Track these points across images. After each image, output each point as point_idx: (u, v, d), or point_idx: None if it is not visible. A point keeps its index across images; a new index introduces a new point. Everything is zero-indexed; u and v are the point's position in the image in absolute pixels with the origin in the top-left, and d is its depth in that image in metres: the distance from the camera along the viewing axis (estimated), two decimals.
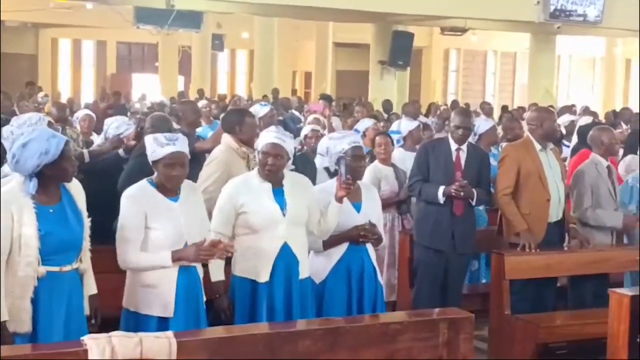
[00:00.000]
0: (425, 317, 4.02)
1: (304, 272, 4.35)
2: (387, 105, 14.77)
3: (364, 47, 20.29)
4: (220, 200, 4.35)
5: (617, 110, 16.65)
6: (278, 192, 4.30)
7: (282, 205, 4.27)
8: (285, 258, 4.26)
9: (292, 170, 4.68)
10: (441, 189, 5.47)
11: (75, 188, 3.78)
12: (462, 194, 5.44)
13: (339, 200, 4.42)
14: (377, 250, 4.75)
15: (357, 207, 4.61)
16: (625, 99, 27.10)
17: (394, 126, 7.48)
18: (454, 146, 5.63)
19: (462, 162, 5.62)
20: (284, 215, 4.24)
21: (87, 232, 3.78)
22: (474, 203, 5.60)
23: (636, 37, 20.62)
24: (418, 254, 5.72)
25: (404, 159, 6.78)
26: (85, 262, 3.80)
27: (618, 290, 4.47)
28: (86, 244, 3.78)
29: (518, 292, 5.58)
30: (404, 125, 7.28)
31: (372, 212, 4.64)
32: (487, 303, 5.63)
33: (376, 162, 6.53)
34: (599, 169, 6.00)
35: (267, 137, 4.37)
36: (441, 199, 5.48)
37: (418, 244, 5.71)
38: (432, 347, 3.76)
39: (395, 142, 6.99)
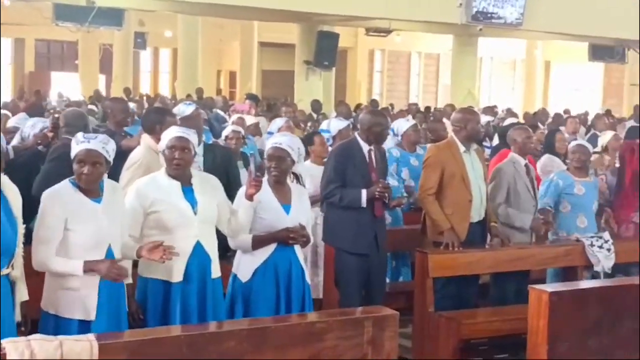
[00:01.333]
0: (350, 315, 4.04)
1: (216, 271, 4.32)
2: (316, 105, 14.80)
3: (289, 47, 20.30)
4: (127, 202, 4.24)
5: (537, 110, 17.10)
6: (187, 191, 4.26)
7: (193, 203, 4.23)
8: (199, 257, 4.22)
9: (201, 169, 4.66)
10: (364, 192, 5.44)
11: (12, 193, 3.69)
12: (386, 194, 5.47)
13: (249, 198, 4.40)
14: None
15: (287, 209, 4.60)
16: (545, 100, 27.83)
17: (323, 125, 7.45)
18: (365, 147, 5.59)
19: (374, 162, 5.61)
20: (195, 213, 4.20)
21: (20, 238, 3.69)
22: (388, 202, 5.63)
23: (555, 39, 21.21)
24: (340, 260, 5.62)
25: None
26: (17, 269, 3.70)
27: (537, 286, 4.57)
28: (19, 250, 3.69)
29: (441, 290, 5.66)
30: (334, 125, 7.27)
31: (301, 213, 4.63)
32: (410, 301, 5.69)
33: (308, 160, 6.50)
34: (517, 167, 6.14)
35: (171, 132, 4.35)
36: (364, 202, 5.46)
37: (339, 249, 5.62)
38: (357, 345, 3.78)
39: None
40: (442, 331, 5.38)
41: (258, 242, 4.52)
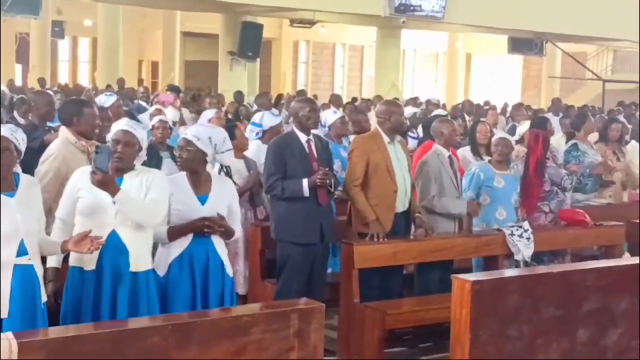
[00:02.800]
0: (276, 308, 4.02)
1: (136, 265, 4.21)
2: (239, 96, 14.70)
3: (213, 37, 20.11)
4: (66, 187, 4.26)
5: (459, 102, 17.38)
6: (117, 182, 4.17)
7: None
8: (113, 247, 4.13)
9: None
10: (305, 181, 5.46)
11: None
12: (327, 181, 5.49)
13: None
14: (227, 244, 4.68)
15: (203, 199, 4.51)
16: (466, 91, 28.30)
17: (255, 118, 7.38)
18: (303, 138, 5.63)
19: (315, 152, 5.65)
20: (114, 202, 4.12)
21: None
22: (333, 190, 5.66)
23: (476, 32, 21.57)
24: (284, 251, 5.61)
25: (261, 151, 6.73)
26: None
27: (460, 276, 4.63)
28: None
29: (366, 281, 5.69)
30: (267, 120, 7.24)
31: (220, 204, 4.55)
32: (336, 292, 5.71)
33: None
34: (441, 159, 6.21)
35: (118, 125, 4.29)
36: (306, 192, 5.47)
37: (284, 241, 5.61)
38: (283, 337, 3.77)
39: (255, 134, 6.97)
40: (368, 322, 5.41)
41: (174, 233, 4.43)
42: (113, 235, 4.14)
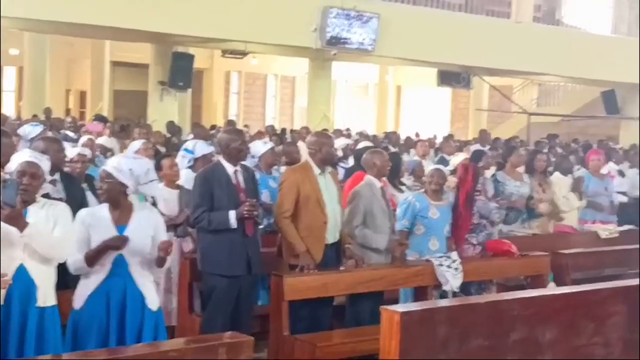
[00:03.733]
0: (204, 342, 3.96)
1: (43, 300, 4.13)
2: (171, 126, 14.57)
3: (142, 67, 19.92)
4: None
5: (388, 133, 17.57)
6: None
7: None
8: (21, 281, 4.05)
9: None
10: (232, 213, 5.42)
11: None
12: (254, 213, 5.45)
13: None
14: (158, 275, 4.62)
15: (122, 230, 4.43)
16: (397, 123, 28.65)
17: (188, 145, 7.33)
18: (230, 169, 5.58)
19: (242, 183, 5.62)
20: (21, 235, 4.02)
21: None
22: (260, 221, 5.62)
23: (406, 65, 21.92)
24: (210, 283, 5.54)
25: (191, 180, 6.64)
26: None
27: (389, 307, 4.64)
28: None
29: (296, 313, 5.67)
30: (200, 148, 7.19)
31: (141, 234, 4.45)
32: (265, 324, 5.66)
33: (162, 183, 6.35)
34: (373, 190, 6.26)
35: (22, 156, 4.26)
36: (234, 223, 5.42)
37: (210, 273, 5.53)
38: None
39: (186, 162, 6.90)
40: (298, 354, 5.38)
41: (90, 257, 4.34)
42: (21, 269, 4.06)
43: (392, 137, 15.12)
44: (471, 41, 17.40)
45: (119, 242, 4.35)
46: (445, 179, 6.67)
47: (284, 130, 18.23)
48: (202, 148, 7.13)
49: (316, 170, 5.89)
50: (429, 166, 7.70)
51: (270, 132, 14.33)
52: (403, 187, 7.75)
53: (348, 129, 18.54)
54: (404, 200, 6.61)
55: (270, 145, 7.83)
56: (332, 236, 5.91)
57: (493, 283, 6.82)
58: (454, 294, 6.25)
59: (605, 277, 7.48)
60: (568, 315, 5.19)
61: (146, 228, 4.50)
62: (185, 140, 9.60)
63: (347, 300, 6.19)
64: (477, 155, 7.61)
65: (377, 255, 6.23)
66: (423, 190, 6.75)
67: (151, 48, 17.80)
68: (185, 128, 16.62)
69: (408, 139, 15.40)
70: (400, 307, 4.79)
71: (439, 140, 16.09)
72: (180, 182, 6.53)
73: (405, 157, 10.87)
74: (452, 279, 6.24)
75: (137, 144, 7.80)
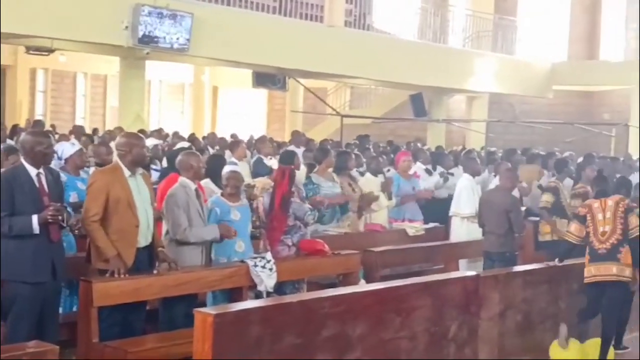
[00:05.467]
0: (6, 353, 3.75)
1: None
2: None
3: None
4: None
5: (205, 135, 17.48)
6: None
7: None
8: None
9: None
10: (34, 218, 5.16)
11: None
12: (59, 217, 5.23)
13: None
14: None
15: None
16: (214, 124, 28.52)
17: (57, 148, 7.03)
18: (33, 171, 5.32)
19: (45, 186, 5.37)
20: None
21: None
22: (65, 225, 5.41)
23: (221, 65, 21.87)
24: (12, 291, 5.22)
25: None
26: None
27: (202, 309, 4.62)
28: None
29: (107, 319, 5.51)
30: (67, 150, 6.89)
31: None
32: (74, 332, 5.46)
33: None
34: (188, 191, 6.21)
35: None
36: (36, 228, 5.17)
37: (12, 280, 5.22)
38: None
39: None
40: None
41: None
42: None
43: (211, 138, 15.03)
44: (285, 43, 17.62)
45: None
46: (241, 181, 6.72)
47: (95, 130, 17.65)
48: (68, 150, 7.20)
49: (126, 172, 5.74)
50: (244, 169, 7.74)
51: (78, 132, 13.79)
52: None
53: (162, 129, 18.25)
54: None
55: (78, 146, 7.56)
56: (144, 239, 5.79)
57: (304, 282, 6.94)
58: (269, 294, 6.31)
59: (413, 273, 7.86)
60: (376, 310, 5.39)
61: None
62: None
63: (160, 303, 6.09)
64: (287, 157, 7.72)
65: (195, 256, 6.18)
66: (220, 193, 6.75)
67: None
68: None
69: (222, 140, 15.38)
70: (213, 309, 4.77)
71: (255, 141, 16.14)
72: None
73: None
74: (267, 279, 6.29)
75: None
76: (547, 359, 6.83)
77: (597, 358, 6.72)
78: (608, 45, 27.29)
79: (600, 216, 6.80)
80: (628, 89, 23.21)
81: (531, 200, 10.16)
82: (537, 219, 9.36)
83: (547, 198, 9.02)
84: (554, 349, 6.82)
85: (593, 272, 6.76)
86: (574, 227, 7.03)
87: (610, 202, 6.87)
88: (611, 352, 6.84)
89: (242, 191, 6.81)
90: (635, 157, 16.02)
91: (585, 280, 6.81)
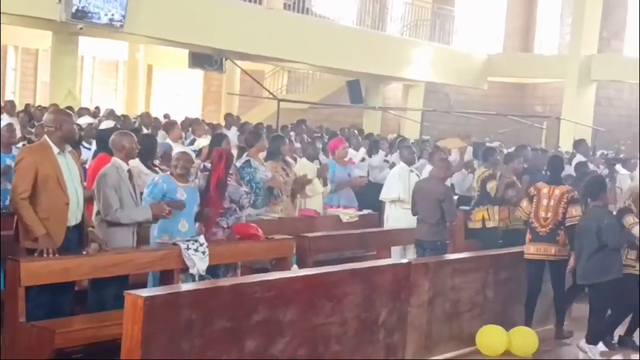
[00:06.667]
0: None
1: None
2: None
3: None
4: None
5: (139, 114, 17.22)
6: None
7: None
8: None
9: None
10: None
11: None
12: None
13: None
14: None
15: None
16: (148, 103, 28.11)
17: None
18: None
19: None
20: None
21: None
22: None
23: (157, 44, 21.55)
24: None
25: None
26: None
27: (133, 291, 4.57)
28: None
29: (34, 299, 5.42)
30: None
31: None
32: (0, 312, 5.35)
33: None
34: (120, 172, 6.13)
35: None
36: None
37: None
38: None
39: None
40: (35, 342, 5.15)
41: None
42: None
43: (145, 118, 14.82)
44: (223, 24, 17.47)
45: None
46: (191, 162, 6.71)
47: (27, 105, 17.22)
48: None
49: (55, 149, 5.64)
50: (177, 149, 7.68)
51: (9, 107, 13.44)
52: (157, 169, 7.64)
53: (97, 107, 17.91)
54: (151, 182, 6.57)
55: (7, 121, 7.39)
56: (74, 218, 5.71)
57: (238, 266, 6.93)
58: (201, 277, 6.28)
59: (345, 259, 7.91)
60: (308, 295, 5.42)
61: None
62: None
63: (90, 284, 6.01)
64: (218, 139, 7.68)
65: (126, 237, 6.10)
66: (169, 172, 6.71)
67: None
68: None
69: (156, 120, 15.18)
70: (144, 292, 4.72)
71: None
72: None
73: None
74: (199, 262, 6.26)
75: None
76: (473, 346, 6.98)
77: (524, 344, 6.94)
78: (543, 39, 27.86)
79: (545, 202, 7.50)
80: (561, 82, 23.73)
81: (458, 184, 10.51)
82: (468, 208, 9.51)
83: (492, 185, 9.14)
84: (480, 336, 6.97)
85: (533, 250, 7.53)
86: (525, 204, 7.69)
87: (557, 191, 7.53)
88: (535, 342, 7.04)
89: (191, 173, 6.77)
90: (564, 149, 16.41)
91: (525, 257, 7.55)
